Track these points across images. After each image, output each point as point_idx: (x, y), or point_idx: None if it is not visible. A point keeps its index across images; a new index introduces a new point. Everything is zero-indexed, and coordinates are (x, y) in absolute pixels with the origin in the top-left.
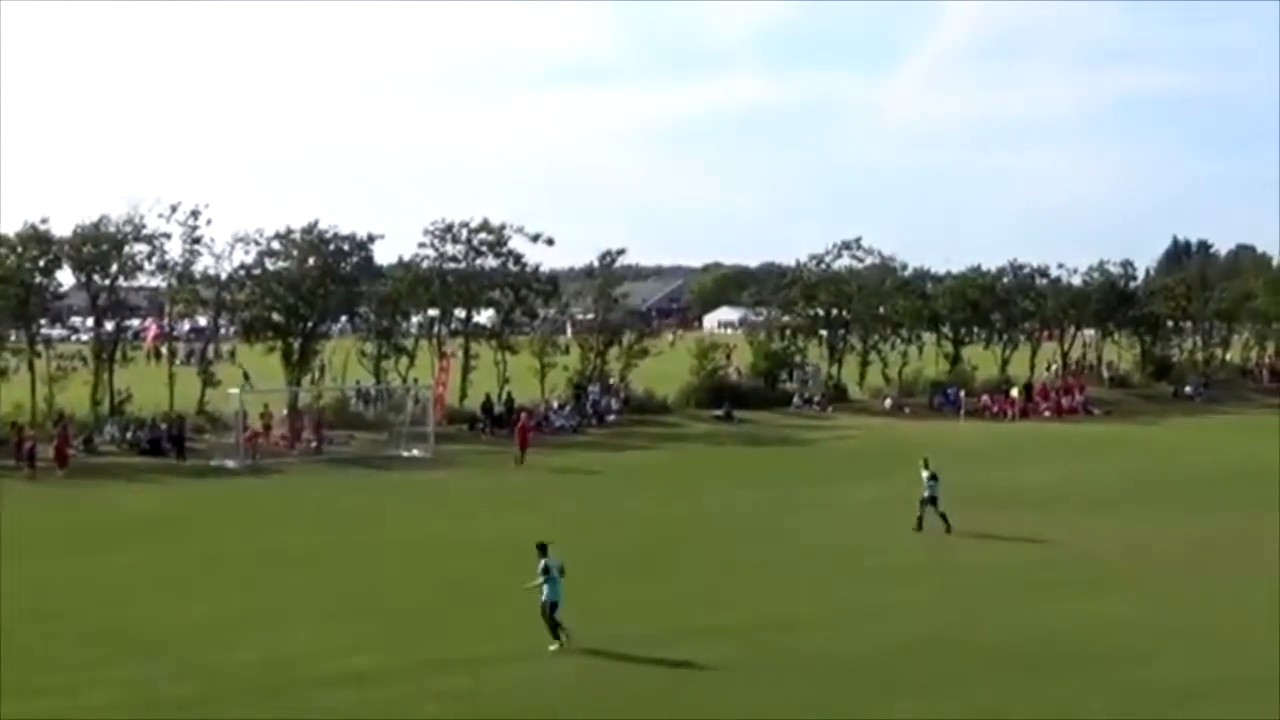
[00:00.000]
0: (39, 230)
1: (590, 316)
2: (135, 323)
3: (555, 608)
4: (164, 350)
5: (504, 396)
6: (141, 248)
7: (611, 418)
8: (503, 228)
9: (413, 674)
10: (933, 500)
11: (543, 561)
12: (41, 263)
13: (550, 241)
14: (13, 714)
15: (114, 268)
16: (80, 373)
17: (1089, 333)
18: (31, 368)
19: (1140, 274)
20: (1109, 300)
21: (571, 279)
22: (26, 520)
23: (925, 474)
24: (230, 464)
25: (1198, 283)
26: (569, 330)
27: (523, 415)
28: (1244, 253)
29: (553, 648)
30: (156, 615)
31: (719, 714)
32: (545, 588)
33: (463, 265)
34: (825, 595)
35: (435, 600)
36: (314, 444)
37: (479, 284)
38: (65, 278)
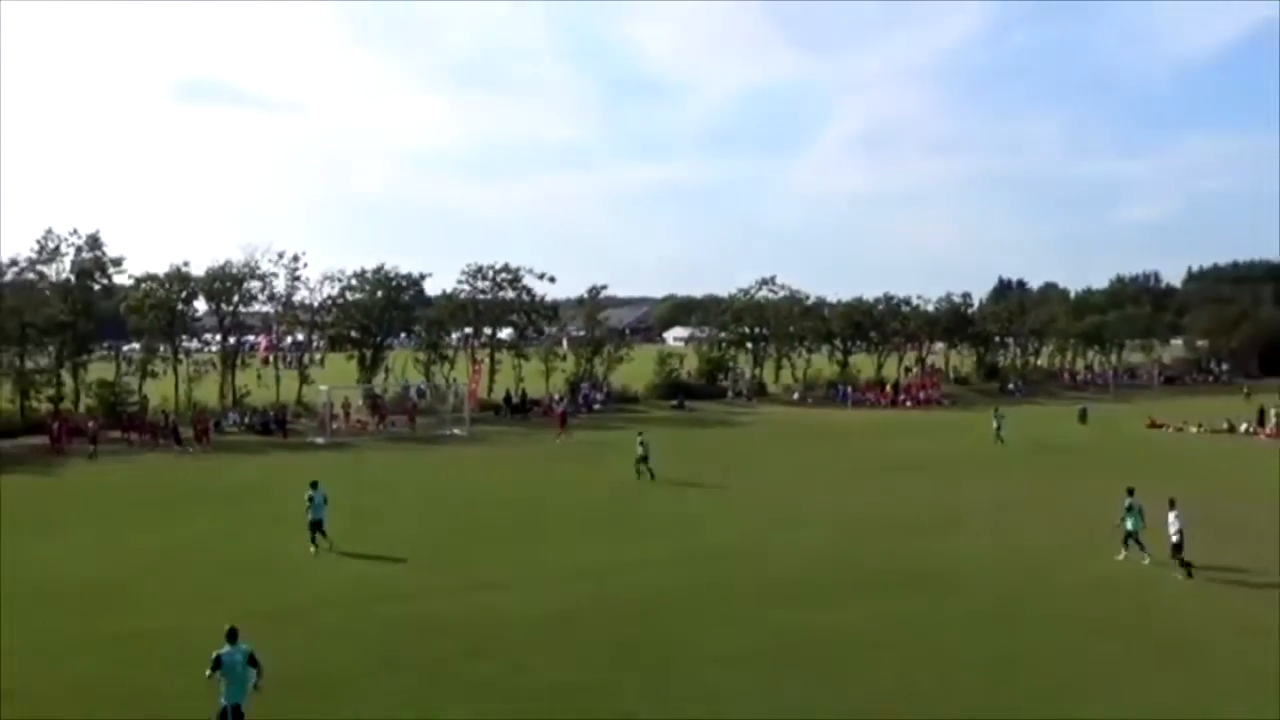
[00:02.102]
0: (181, 271)
1: (581, 333)
2: (251, 338)
3: (319, 524)
4: (272, 358)
5: (520, 391)
6: (256, 283)
7: (597, 406)
8: (518, 269)
9: (451, 593)
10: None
11: (310, 493)
12: (183, 294)
13: (553, 279)
14: (154, 625)
15: (235, 298)
16: (211, 375)
17: (939, 345)
18: (175, 371)
19: (975, 303)
20: (953, 321)
21: (568, 306)
22: (178, 479)
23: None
24: (319, 441)
25: (1017, 309)
26: (565, 343)
27: (563, 404)
28: (1050, 288)
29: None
30: (265, 549)
31: (676, 625)
32: (310, 510)
33: (489, 296)
34: (750, 534)
35: (470, 538)
36: (380, 426)
37: (501, 310)
38: (200, 305)
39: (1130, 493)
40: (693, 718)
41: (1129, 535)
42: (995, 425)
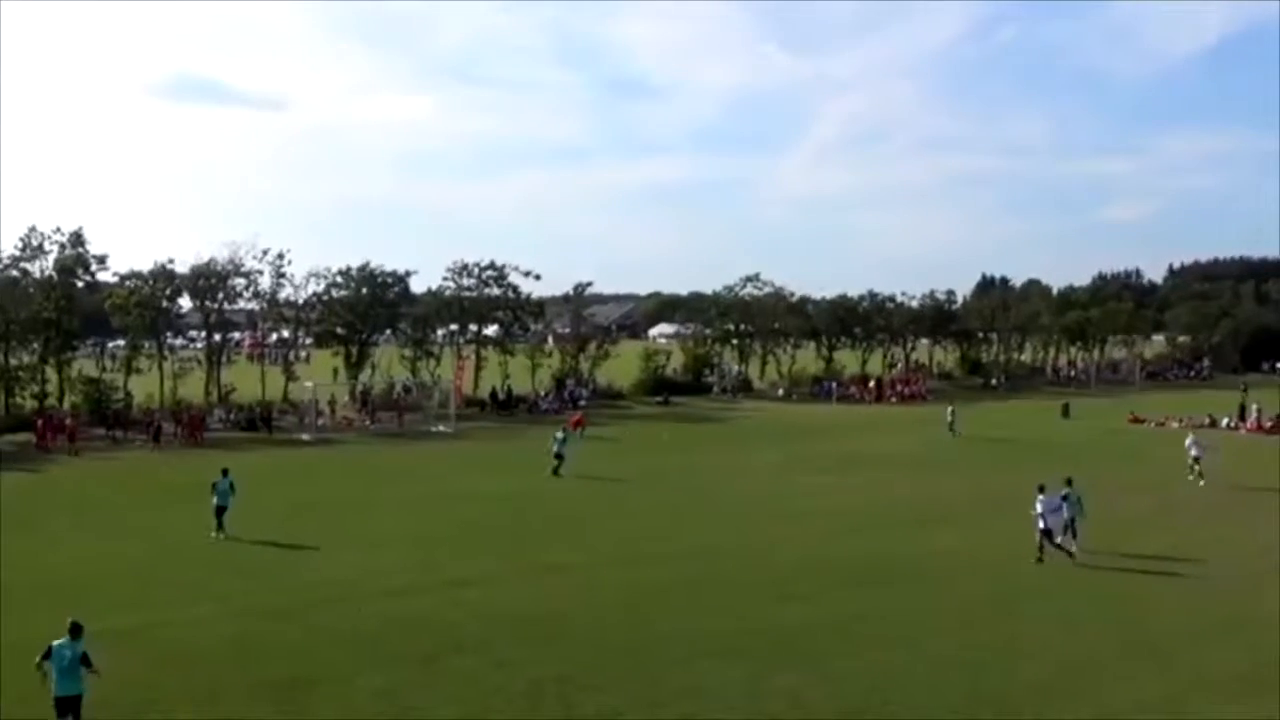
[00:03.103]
0: (166, 268)
1: (567, 330)
2: (236, 335)
3: (223, 511)
4: (257, 355)
5: (505, 387)
6: (241, 281)
7: (583, 402)
8: (504, 266)
9: (440, 589)
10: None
11: (216, 481)
12: (167, 291)
13: (538, 276)
14: (134, 622)
15: (220, 295)
16: (196, 372)
17: (924, 341)
18: (160, 368)
19: (959, 300)
20: (937, 318)
21: (553, 303)
22: (162, 476)
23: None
24: (305, 437)
25: (1000, 306)
26: (551, 340)
27: (580, 405)
28: (1033, 285)
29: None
30: (251, 546)
31: (662, 620)
32: (215, 498)
33: (474, 293)
34: (736, 531)
35: (456, 534)
36: (367, 422)
37: (486, 307)
38: (185, 302)
39: (1069, 483)
40: (678, 713)
41: (1067, 524)
42: (949, 420)
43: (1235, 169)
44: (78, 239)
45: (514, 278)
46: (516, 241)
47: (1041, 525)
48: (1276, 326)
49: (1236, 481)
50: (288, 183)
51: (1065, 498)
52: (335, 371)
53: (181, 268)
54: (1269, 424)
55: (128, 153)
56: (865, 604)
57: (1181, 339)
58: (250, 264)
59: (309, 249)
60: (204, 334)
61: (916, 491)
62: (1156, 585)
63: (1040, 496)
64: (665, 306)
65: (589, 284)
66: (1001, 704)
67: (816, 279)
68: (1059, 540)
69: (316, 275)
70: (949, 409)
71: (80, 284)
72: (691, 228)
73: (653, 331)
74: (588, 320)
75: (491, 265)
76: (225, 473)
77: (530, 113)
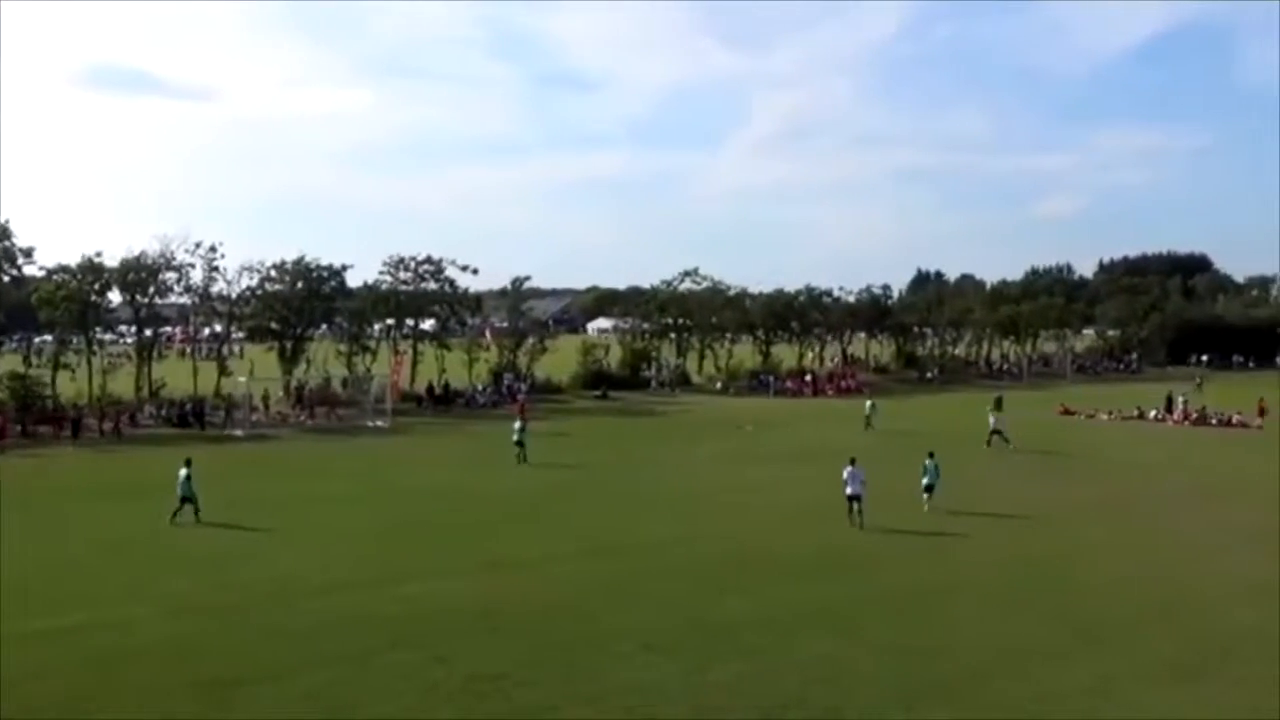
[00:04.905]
0: (94, 262)
1: (505, 324)
2: (167, 330)
3: (187, 501)
4: (189, 350)
5: (442, 382)
6: (172, 275)
7: (521, 397)
8: (441, 260)
9: (377, 585)
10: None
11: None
12: (96, 285)
13: (475, 270)
14: (81, 620)
15: (151, 290)
16: (126, 367)
17: (860, 335)
18: (89, 363)
19: (895, 294)
20: (873, 312)
21: (491, 297)
22: (89, 474)
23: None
24: (239, 433)
25: (935, 300)
26: (489, 334)
27: (522, 397)
28: (966, 280)
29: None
30: (186, 544)
31: (600, 615)
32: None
33: (411, 288)
34: (676, 525)
35: (394, 530)
36: (302, 418)
37: (423, 301)
38: (114, 297)
39: (930, 455)
40: (618, 707)
41: (926, 488)
42: (866, 414)
43: (1165, 165)
44: (3, 232)
45: (451, 272)
46: (454, 235)
47: (847, 491)
48: (1202, 321)
49: (1173, 476)
50: (221, 176)
51: (925, 468)
52: (278, 364)
53: (111, 261)
54: (1195, 416)
55: (54, 145)
56: (805, 595)
57: (1111, 333)
58: (182, 257)
59: (242, 243)
60: (134, 329)
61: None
62: (1091, 571)
63: (848, 468)
64: (603, 301)
65: (527, 278)
66: (941, 689)
67: (754, 273)
68: (858, 505)
69: (250, 269)
70: (868, 403)
71: (6, 278)
72: (630, 222)
73: (591, 326)
74: (526, 314)
75: (428, 259)
76: (189, 463)
77: (467, 106)
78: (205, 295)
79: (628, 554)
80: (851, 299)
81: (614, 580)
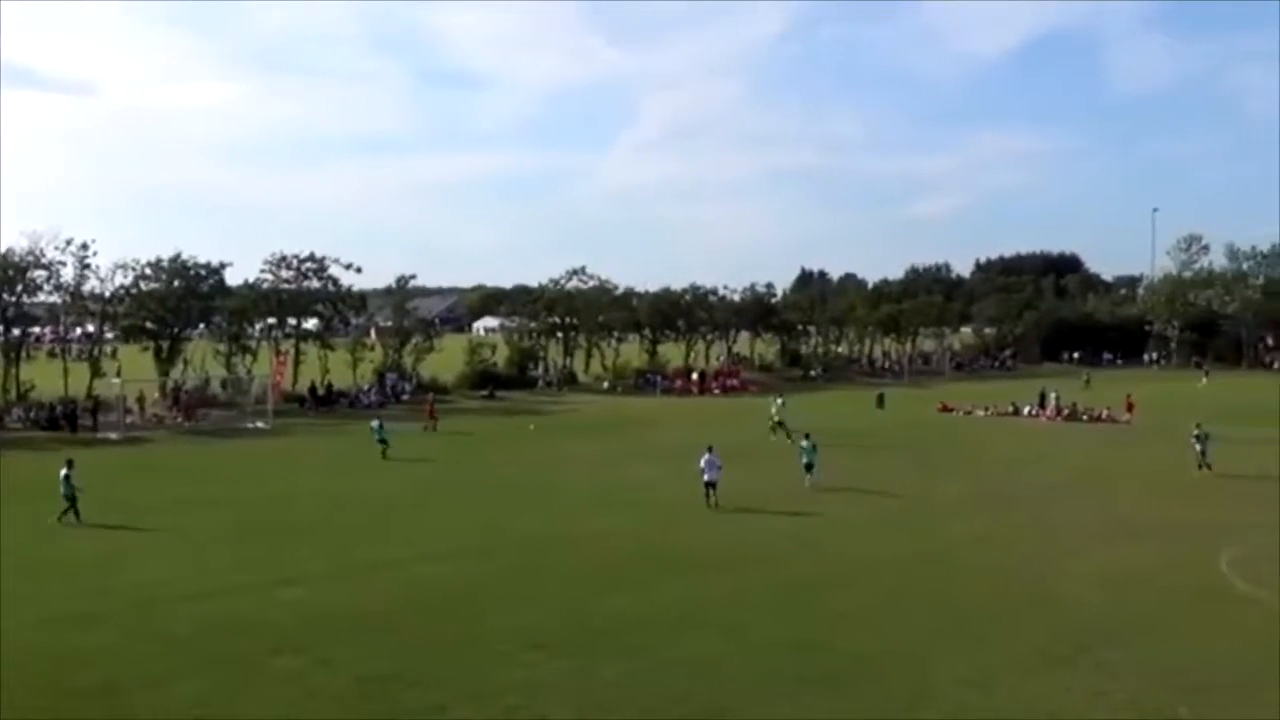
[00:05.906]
0: None
1: (390, 323)
2: (36, 329)
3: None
4: (59, 350)
5: (325, 383)
6: (41, 273)
7: (405, 397)
8: (324, 258)
9: (259, 589)
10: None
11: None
12: None
13: (359, 269)
14: None
15: (19, 288)
16: None
17: (745, 334)
18: None
19: (779, 293)
20: (758, 311)
21: (375, 296)
22: None
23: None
24: (113, 436)
25: (819, 299)
26: (373, 333)
27: (431, 396)
28: (849, 279)
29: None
30: (59, 550)
31: (487, 615)
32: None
33: (293, 286)
34: (564, 523)
35: (275, 533)
36: (180, 419)
37: (306, 300)
38: None
39: (806, 436)
40: (505, 706)
41: (806, 467)
42: (773, 414)
43: (1038, 167)
44: None
45: (334, 270)
46: (337, 234)
47: (706, 478)
48: (1074, 319)
49: (1045, 471)
50: (94, 170)
51: (803, 448)
52: (154, 365)
53: None
54: (1067, 412)
55: None
56: (693, 591)
57: (988, 331)
58: (52, 255)
59: (117, 240)
60: (1, 328)
61: (740, 479)
62: (967, 563)
63: (706, 456)
64: (490, 299)
65: (412, 277)
66: (828, 682)
67: (640, 272)
68: (713, 491)
69: (124, 267)
70: (777, 400)
71: None
72: (516, 220)
73: (477, 325)
74: (411, 313)
75: (311, 257)
76: (70, 464)
77: (351, 103)
78: (77, 294)
79: (512, 553)
80: (737, 298)
81: (498, 579)
